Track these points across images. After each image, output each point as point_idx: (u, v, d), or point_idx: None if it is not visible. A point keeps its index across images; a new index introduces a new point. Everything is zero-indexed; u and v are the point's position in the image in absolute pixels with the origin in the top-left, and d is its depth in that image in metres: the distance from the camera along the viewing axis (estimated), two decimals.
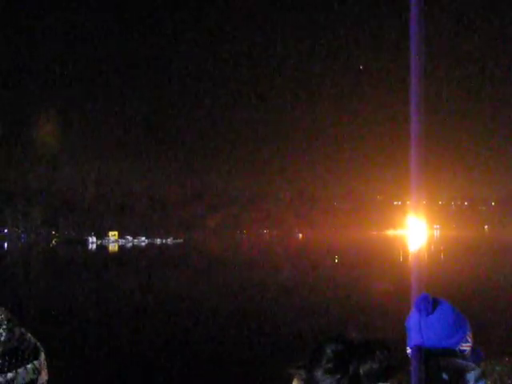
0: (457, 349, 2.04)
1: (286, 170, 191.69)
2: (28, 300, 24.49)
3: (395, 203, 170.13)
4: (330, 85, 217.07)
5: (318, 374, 1.72)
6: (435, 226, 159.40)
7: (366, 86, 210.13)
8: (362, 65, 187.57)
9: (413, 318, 2.08)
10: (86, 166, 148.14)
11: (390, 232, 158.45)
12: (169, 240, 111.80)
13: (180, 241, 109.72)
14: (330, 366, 1.72)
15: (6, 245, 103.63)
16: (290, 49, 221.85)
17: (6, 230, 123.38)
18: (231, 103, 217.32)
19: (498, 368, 8.96)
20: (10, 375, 1.15)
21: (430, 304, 1.99)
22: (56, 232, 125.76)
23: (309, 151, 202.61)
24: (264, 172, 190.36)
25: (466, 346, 2.07)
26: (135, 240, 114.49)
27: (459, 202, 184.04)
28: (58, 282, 34.09)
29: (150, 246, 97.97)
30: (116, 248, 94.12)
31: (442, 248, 66.61)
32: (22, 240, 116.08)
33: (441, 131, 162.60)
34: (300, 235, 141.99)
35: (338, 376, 1.69)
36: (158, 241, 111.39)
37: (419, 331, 2.04)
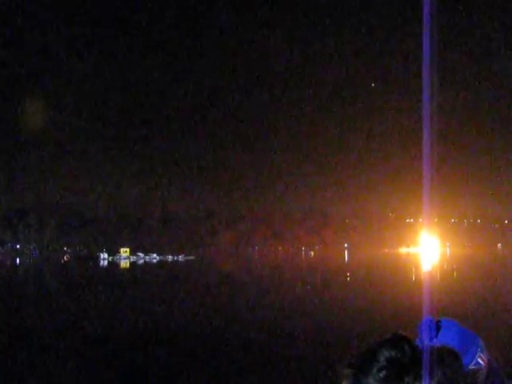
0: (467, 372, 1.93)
1: (298, 187, 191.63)
2: (41, 316, 24.51)
3: (407, 221, 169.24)
4: (343, 102, 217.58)
5: (367, 382, 1.41)
6: (447, 244, 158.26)
7: (379, 103, 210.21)
8: (375, 82, 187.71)
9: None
10: (99, 183, 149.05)
11: (403, 250, 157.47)
12: (180, 257, 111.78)
13: (191, 257, 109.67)
14: (381, 375, 1.40)
15: (17, 260, 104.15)
16: (300, 60, 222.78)
17: (18, 246, 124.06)
18: (242, 119, 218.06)
19: None
20: None
21: (433, 328, 1.87)
22: (67, 248, 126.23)
23: (321, 168, 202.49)
24: (276, 189, 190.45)
25: (477, 370, 1.96)
26: (147, 257, 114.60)
27: (472, 220, 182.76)
28: (69, 298, 34.12)
29: (162, 262, 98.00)
30: (127, 265, 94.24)
31: (454, 266, 66.10)
32: (34, 256, 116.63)
33: (454, 149, 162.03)
34: (312, 253, 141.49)
35: None
36: (170, 257, 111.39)
37: None
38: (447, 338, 1.95)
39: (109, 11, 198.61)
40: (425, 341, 1.89)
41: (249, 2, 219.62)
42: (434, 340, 1.91)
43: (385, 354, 1.41)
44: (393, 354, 1.42)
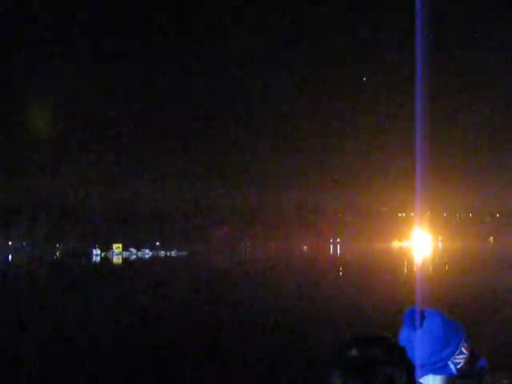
0: (449, 362, 1.94)
1: (290, 182, 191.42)
2: (37, 313, 24.48)
3: (399, 215, 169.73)
4: (334, 97, 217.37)
5: (336, 381, 1.43)
6: (439, 238, 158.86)
7: (371, 97, 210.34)
8: (366, 76, 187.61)
9: (402, 335, 1.98)
10: (90, 178, 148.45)
11: (395, 244, 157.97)
12: (173, 252, 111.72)
13: (184, 253, 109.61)
14: (348, 375, 1.41)
15: (10, 257, 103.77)
16: (292, 59, 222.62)
17: (10, 243, 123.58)
18: (238, 117, 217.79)
19: (505, 381, 8.87)
20: None
21: (418, 318, 1.88)
22: (60, 244, 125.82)
23: (312, 163, 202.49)
24: (268, 184, 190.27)
25: (461, 359, 1.97)
26: (139, 252, 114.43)
27: (463, 214, 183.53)
28: (63, 295, 34.07)
29: (154, 258, 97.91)
30: (120, 260, 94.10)
31: (446, 259, 66.39)
32: (26, 252, 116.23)
33: (446, 143, 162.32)
34: (305, 247, 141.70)
35: None
36: (162, 253, 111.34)
37: (410, 348, 1.84)
38: (431, 328, 1.98)
39: (108, 11, 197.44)
40: (409, 330, 1.93)
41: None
42: (419, 329, 1.94)
43: (353, 351, 1.43)
44: (362, 352, 1.43)
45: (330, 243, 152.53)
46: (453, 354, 1.98)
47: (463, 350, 2.00)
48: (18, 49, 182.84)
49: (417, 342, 1.92)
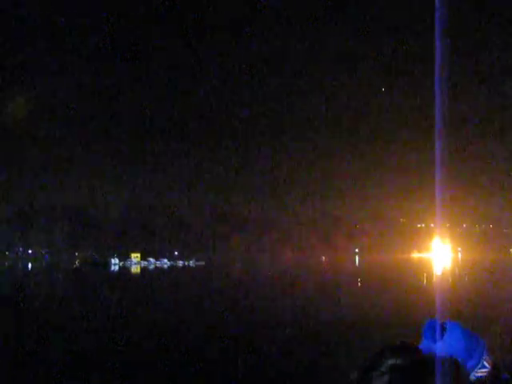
0: (471, 376, 1.88)
1: (309, 192, 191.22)
2: (58, 321, 24.61)
3: (419, 226, 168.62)
4: (353, 108, 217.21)
5: None
6: (459, 249, 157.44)
7: (390, 107, 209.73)
8: (385, 87, 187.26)
9: (422, 347, 1.89)
10: (110, 188, 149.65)
11: (414, 255, 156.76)
12: (191, 262, 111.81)
13: (202, 263, 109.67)
14: (383, 382, 1.37)
15: (29, 265, 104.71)
16: (309, 65, 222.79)
17: (30, 251, 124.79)
18: (253, 125, 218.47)
19: None
20: None
21: (438, 331, 1.82)
22: (79, 253, 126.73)
23: (332, 174, 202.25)
24: (287, 194, 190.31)
25: (483, 372, 1.91)
26: (157, 262, 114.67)
27: (483, 225, 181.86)
28: (83, 302, 34.25)
29: (173, 268, 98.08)
30: (138, 270, 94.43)
31: (466, 271, 65.69)
32: (45, 261, 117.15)
33: (466, 154, 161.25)
34: (323, 258, 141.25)
35: None
36: (181, 263, 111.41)
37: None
38: (452, 340, 1.92)
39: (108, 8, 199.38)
40: (429, 342, 1.87)
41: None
42: (439, 342, 1.88)
43: (386, 362, 1.43)
44: (394, 360, 1.43)
45: (349, 254, 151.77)
46: (474, 367, 1.93)
47: (485, 363, 1.95)
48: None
49: (437, 355, 1.87)
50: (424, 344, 1.92)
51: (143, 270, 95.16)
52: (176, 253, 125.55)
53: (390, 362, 1.44)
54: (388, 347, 1.49)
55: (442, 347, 1.88)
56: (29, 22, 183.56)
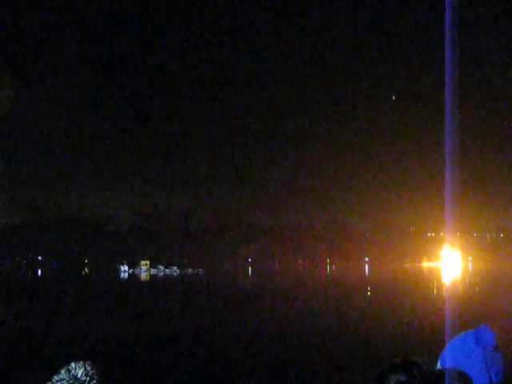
0: None
1: (318, 201, 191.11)
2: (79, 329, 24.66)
3: (429, 235, 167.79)
4: (363, 116, 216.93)
5: None
6: (469, 258, 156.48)
7: (400, 116, 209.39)
8: (395, 95, 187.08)
9: (476, 355, 1.84)
10: (119, 194, 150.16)
11: (424, 264, 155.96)
12: (200, 270, 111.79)
13: (212, 271, 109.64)
14: None
15: (39, 272, 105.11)
16: (319, 71, 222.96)
17: (39, 258, 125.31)
18: (267, 136, 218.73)
19: None
20: None
21: (491, 338, 1.78)
22: (88, 260, 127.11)
23: (341, 182, 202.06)
24: (297, 202, 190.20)
25: None
26: (167, 270, 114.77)
27: (494, 234, 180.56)
28: (94, 310, 34.30)
29: (182, 275, 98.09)
30: (148, 277, 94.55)
31: (477, 281, 65.24)
32: (55, 267, 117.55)
33: (476, 163, 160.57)
34: (333, 266, 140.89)
35: None
36: (190, 270, 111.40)
37: (485, 368, 1.78)
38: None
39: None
40: (487, 350, 1.78)
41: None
42: (492, 350, 1.78)
43: (394, 378, 1.44)
44: (402, 378, 1.44)
45: (359, 262, 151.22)
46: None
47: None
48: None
49: (495, 363, 1.82)
50: (479, 352, 1.85)
51: (153, 277, 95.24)
52: (185, 261, 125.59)
53: (396, 378, 1.46)
54: (394, 363, 1.50)
55: (499, 354, 1.83)
56: None
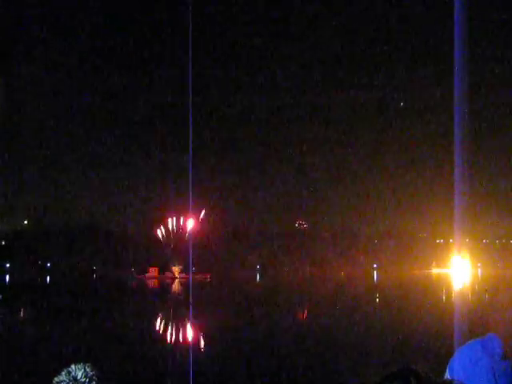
0: None
1: (326, 207, 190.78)
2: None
3: (438, 241, 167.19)
4: (371, 122, 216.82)
5: None
6: (479, 265, 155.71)
7: (408, 123, 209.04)
8: (403, 101, 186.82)
9: (483, 364, 1.83)
10: (128, 201, 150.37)
11: (433, 270, 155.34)
12: (208, 276, 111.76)
13: (219, 278, 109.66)
14: None
15: (48, 278, 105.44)
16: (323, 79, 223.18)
17: (48, 264, 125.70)
18: (270, 138, 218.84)
19: None
20: None
21: (503, 346, 1.74)
22: (97, 266, 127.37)
23: (349, 188, 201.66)
24: (304, 209, 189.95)
25: None
26: (176, 276, 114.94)
27: (504, 241, 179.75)
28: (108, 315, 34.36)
29: (190, 281, 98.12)
30: (156, 284, 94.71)
31: (486, 287, 64.88)
32: (63, 274, 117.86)
33: (485, 168, 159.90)
34: (342, 273, 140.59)
35: None
36: (198, 277, 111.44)
37: (493, 378, 1.76)
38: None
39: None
40: (495, 359, 1.76)
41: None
42: (505, 361, 1.75)
43: None
44: None
45: (368, 269, 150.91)
46: None
47: None
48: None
49: (503, 373, 1.77)
50: (486, 361, 1.82)
51: (161, 283, 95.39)
52: (193, 268, 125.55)
53: None
54: (394, 372, 1.50)
55: (508, 364, 1.79)
56: None
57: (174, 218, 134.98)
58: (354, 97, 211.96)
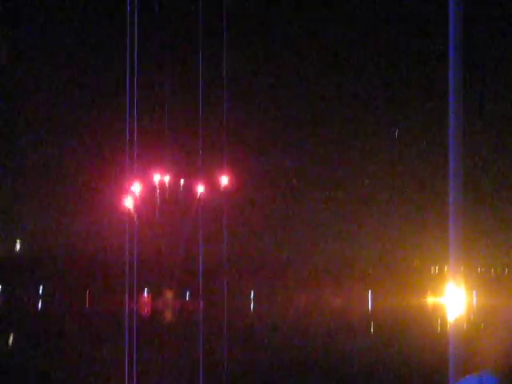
0: None
1: (321, 235, 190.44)
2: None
3: (432, 269, 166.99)
4: (364, 150, 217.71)
5: None
6: (474, 293, 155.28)
7: (403, 148, 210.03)
8: (397, 131, 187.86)
9: None
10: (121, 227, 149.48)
11: (427, 299, 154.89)
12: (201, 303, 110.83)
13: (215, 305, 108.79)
14: None
15: (39, 305, 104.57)
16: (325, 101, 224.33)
17: (40, 290, 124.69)
18: (262, 166, 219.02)
19: None
20: None
21: None
22: (89, 293, 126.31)
23: (344, 217, 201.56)
24: (298, 237, 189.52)
25: None
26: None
27: (499, 269, 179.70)
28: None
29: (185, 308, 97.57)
30: (149, 311, 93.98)
31: (482, 317, 64.55)
32: (57, 300, 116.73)
33: (481, 196, 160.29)
34: (338, 300, 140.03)
35: None
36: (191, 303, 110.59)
37: None
38: None
39: None
40: None
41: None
42: None
43: None
44: None
45: (362, 297, 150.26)
46: None
47: None
48: None
49: None
50: None
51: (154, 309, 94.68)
52: (188, 294, 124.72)
53: None
54: None
55: None
56: None
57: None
58: (343, 130, 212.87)
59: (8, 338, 38.22)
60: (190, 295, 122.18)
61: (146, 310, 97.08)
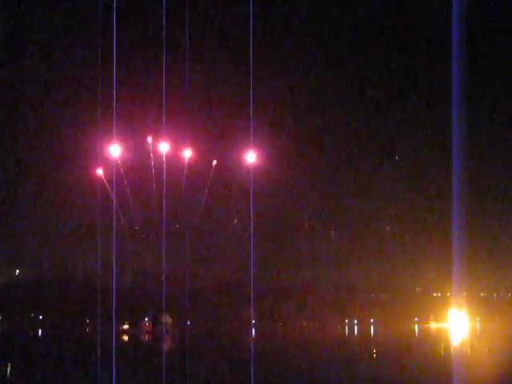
0: None
1: (322, 262, 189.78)
2: None
3: (434, 295, 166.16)
4: (366, 178, 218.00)
5: None
6: (477, 319, 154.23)
7: (405, 174, 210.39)
8: (398, 155, 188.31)
9: None
10: (122, 253, 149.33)
11: (430, 325, 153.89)
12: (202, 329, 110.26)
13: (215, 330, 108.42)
14: None
15: (39, 332, 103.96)
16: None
17: (40, 317, 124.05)
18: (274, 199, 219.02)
19: None
20: None
21: None
22: (89, 320, 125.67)
23: (346, 242, 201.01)
24: (301, 263, 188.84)
25: None
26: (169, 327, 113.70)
27: (502, 294, 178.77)
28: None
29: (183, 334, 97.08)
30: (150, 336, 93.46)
31: (485, 343, 64.11)
32: (56, 327, 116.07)
33: (483, 219, 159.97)
34: (339, 327, 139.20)
35: None
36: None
37: None
38: None
39: None
40: None
41: None
42: None
43: None
44: None
45: (364, 324, 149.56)
46: None
47: None
48: None
49: None
50: None
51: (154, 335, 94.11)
52: (188, 322, 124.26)
53: None
54: None
55: None
56: None
57: None
58: (339, 153, 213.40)
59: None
60: (190, 321, 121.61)
61: (147, 337, 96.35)
